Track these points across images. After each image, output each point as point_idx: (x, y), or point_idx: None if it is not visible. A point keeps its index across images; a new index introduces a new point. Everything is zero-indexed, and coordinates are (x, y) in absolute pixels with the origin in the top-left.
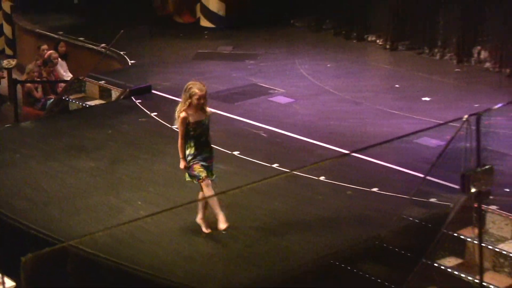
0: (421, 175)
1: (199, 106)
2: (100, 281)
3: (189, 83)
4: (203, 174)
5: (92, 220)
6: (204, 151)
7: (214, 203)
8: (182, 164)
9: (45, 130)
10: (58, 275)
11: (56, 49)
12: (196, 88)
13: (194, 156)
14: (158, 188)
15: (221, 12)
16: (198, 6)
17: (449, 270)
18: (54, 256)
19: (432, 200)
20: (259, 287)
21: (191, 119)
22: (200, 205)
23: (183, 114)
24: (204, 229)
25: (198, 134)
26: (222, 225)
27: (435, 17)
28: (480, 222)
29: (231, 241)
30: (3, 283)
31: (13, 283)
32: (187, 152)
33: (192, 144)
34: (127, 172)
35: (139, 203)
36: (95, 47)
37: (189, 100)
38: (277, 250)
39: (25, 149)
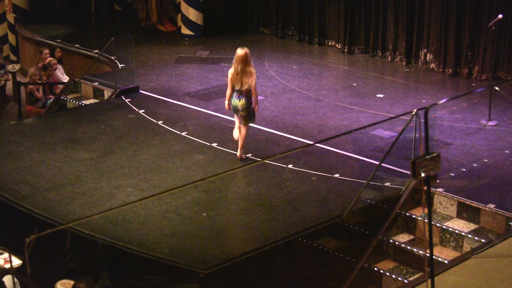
0: (376, 162)
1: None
2: (95, 258)
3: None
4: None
5: (87, 204)
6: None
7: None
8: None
9: (45, 126)
10: (58, 253)
11: (53, 55)
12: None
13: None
14: (145, 175)
15: (199, 21)
16: (179, 16)
17: (402, 245)
18: (55, 237)
19: (386, 184)
20: (233, 260)
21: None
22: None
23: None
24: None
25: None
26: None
27: (386, 25)
28: (428, 203)
29: (209, 222)
30: (10, 261)
31: (19, 261)
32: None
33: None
34: (118, 162)
35: (129, 189)
36: (88, 53)
37: None
38: (249, 229)
39: (28, 142)
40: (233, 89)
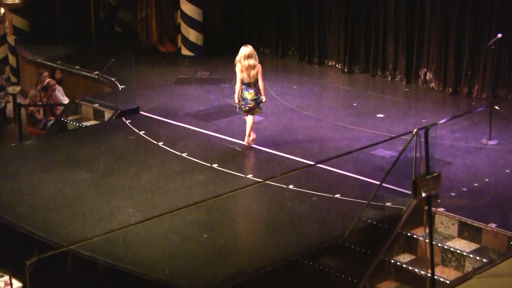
0: (377, 182)
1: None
2: (97, 279)
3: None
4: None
5: (88, 225)
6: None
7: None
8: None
9: (46, 147)
10: (59, 276)
11: (53, 76)
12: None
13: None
14: (146, 196)
15: (199, 42)
16: (179, 37)
17: (404, 265)
18: (56, 258)
19: (388, 204)
20: (235, 280)
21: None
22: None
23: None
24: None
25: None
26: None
27: (386, 44)
28: (430, 222)
29: (210, 242)
30: (11, 284)
31: (20, 284)
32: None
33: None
34: (118, 183)
35: (130, 210)
36: (89, 74)
37: None
38: (251, 249)
39: (28, 163)
40: (242, 83)
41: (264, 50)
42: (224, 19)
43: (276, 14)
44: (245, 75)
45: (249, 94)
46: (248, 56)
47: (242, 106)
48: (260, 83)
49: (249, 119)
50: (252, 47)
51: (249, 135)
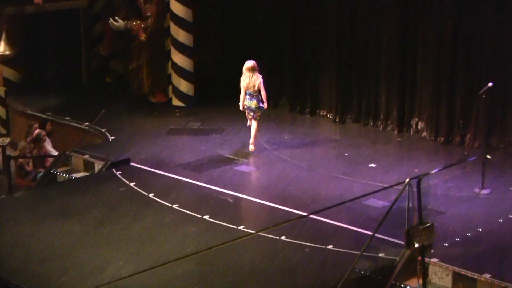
0: (370, 233)
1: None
2: None
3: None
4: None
5: (79, 277)
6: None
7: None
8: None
9: (36, 199)
10: None
11: (43, 128)
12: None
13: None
14: (137, 248)
15: (191, 93)
16: (170, 87)
17: None
18: None
19: (381, 254)
20: None
21: None
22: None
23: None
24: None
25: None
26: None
27: (378, 94)
28: (423, 273)
29: None
30: None
31: None
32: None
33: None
34: (109, 235)
35: (121, 263)
36: (79, 125)
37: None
38: None
39: (18, 216)
40: (245, 93)
41: None
42: (216, 69)
43: (268, 64)
44: (248, 85)
45: (252, 103)
46: (249, 69)
47: (246, 113)
48: (262, 92)
49: (253, 125)
50: (254, 62)
51: (254, 138)
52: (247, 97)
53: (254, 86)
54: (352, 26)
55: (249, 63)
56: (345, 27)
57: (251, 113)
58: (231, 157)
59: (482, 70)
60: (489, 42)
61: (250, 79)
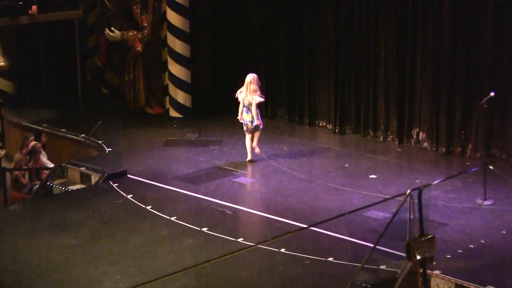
0: (371, 245)
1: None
2: None
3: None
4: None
5: None
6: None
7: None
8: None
9: (31, 212)
10: None
11: (38, 140)
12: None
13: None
14: (134, 261)
15: (188, 104)
16: (167, 98)
17: None
18: None
19: (382, 267)
20: None
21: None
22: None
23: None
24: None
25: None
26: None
27: (377, 104)
28: (425, 286)
29: None
30: None
31: None
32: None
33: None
34: (106, 248)
35: (118, 276)
36: (75, 137)
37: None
38: None
39: (13, 229)
40: (243, 105)
41: None
42: (213, 79)
43: (266, 74)
44: (245, 98)
45: (247, 116)
46: (248, 83)
47: (243, 125)
48: (253, 110)
49: (247, 139)
50: (254, 76)
51: (251, 152)
52: (244, 109)
53: (248, 100)
54: (350, 35)
55: (248, 77)
56: (343, 36)
57: (246, 126)
58: (229, 168)
59: (482, 79)
60: (489, 50)
61: (246, 93)
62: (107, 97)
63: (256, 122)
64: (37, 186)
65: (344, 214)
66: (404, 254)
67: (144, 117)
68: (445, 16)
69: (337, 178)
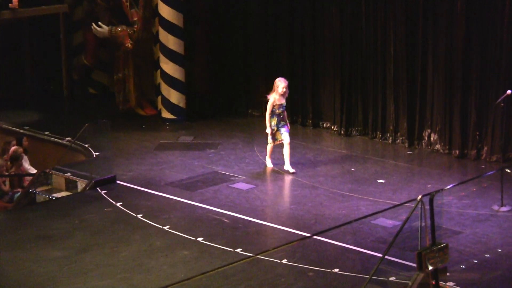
0: (380, 255)
1: (283, 93)
2: None
3: (277, 79)
4: (271, 141)
5: None
6: (281, 122)
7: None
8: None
9: (13, 222)
10: None
11: (20, 144)
12: (280, 82)
13: (276, 126)
14: (125, 274)
15: (182, 104)
16: (159, 99)
17: None
18: None
19: (391, 278)
20: None
21: (276, 102)
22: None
23: (272, 99)
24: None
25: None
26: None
27: (386, 104)
28: None
29: None
30: None
31: None
32: (272, 123)
33: (275, 118)
34: (94, 260)
35: None
36: (60, 141)
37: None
38: None
39: None
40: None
41: (253, 112)
42: (209, 78)
43: (265, 74)
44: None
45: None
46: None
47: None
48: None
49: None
50: (276, 80)
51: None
52: (281, 116)
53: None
54: (356, 30)
55: (284, 82)
56: (348, 30)
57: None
58: (227, 174)
59: (497, 77)
60: (505, 46)
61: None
62: (95, 98)
63: (267, 131)
64: (19, 194)
65: (350, 222)
66: (415, 265)
67: (135, 119)
68: (458, 10)
69: (343, 184)
